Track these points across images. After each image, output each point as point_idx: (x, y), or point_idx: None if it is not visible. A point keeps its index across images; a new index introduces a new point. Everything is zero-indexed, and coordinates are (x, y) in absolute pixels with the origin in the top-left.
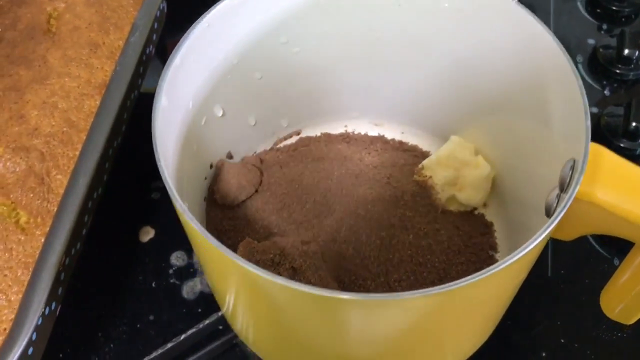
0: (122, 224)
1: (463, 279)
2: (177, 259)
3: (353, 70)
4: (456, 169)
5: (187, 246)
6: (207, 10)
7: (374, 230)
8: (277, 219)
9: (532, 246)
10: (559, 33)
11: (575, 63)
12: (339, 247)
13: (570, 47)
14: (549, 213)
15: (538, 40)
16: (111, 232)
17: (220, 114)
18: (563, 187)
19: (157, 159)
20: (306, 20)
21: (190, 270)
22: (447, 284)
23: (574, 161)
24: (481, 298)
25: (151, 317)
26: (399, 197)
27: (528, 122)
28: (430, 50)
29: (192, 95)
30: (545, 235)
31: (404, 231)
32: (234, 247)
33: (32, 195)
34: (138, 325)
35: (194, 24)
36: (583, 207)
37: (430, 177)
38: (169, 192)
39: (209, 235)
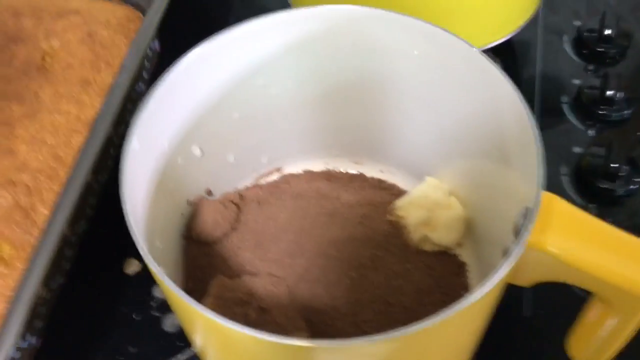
0: (107, 255)
1: (411, 325)
2: (160, 291)
3: (331, 111)
4: (429, 209)
5: None
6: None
7: (344, 270)
8: (251, 257)
9: (477, 297)
10: (546, 73)
11: (560, 103)
12: (309, 286)
13: (557, 88)
14: None
15: (499, 88)
16: (96, 263)
17: (198, 153)
18: (517, 234)
19: (122, 203)
20: (283, 64)
21: None
22: (401, 329)
23: (527, 209)
24: (443, 339)
25: (132, 350)
26: (370, 236)
27: (495, 166)
28: (403, 94)
29: (168, 136)
30: (496, 283)
31: (374, 271)
32: (207, 283)
33: (16, 228)
34: (118, 358)
35: (169, 67)
36: (536, 255)
37: (404, 217)
38: (132, 236)
39: (165, 277)
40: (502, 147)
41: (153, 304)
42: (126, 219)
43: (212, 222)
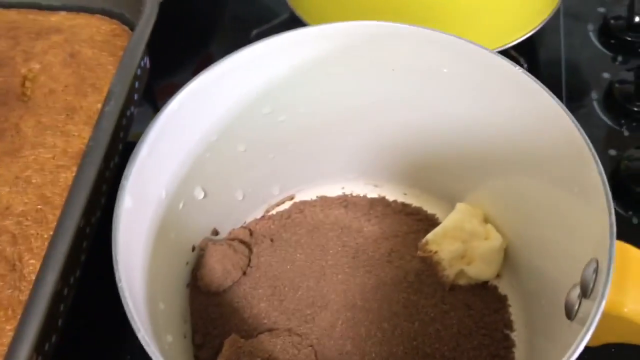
0: (105, 300)
1: None
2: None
3: (347, 133)
4: (464, 240)
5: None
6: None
7: (374, 322)
8: (267, 307)
9: None
10: (572, 66)
11: (590, 100)
12: (336, 343)
13: (585, 82)
14: (569, 315)
15: (547, 111)
16: (91, 314)
17: (201, 196)
18: (586, 292)
19: (117, 278)
20: (292, 89)
21: None
22: None
23: (597, 263)
24: None
25: None
26: (401, 278)
27: (541, 187)
28: (428, 114)
29: (165, 183)
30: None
31: (408, 319)
32: (221, 338)
33: (1, 284)
34: None
35: (162, 108)
36: (610, 318)
37: (436, 252)
38: (132, 324)
39: None
40: (544, 165)
41: None
42: (122, 297)
43: (221, 271)
